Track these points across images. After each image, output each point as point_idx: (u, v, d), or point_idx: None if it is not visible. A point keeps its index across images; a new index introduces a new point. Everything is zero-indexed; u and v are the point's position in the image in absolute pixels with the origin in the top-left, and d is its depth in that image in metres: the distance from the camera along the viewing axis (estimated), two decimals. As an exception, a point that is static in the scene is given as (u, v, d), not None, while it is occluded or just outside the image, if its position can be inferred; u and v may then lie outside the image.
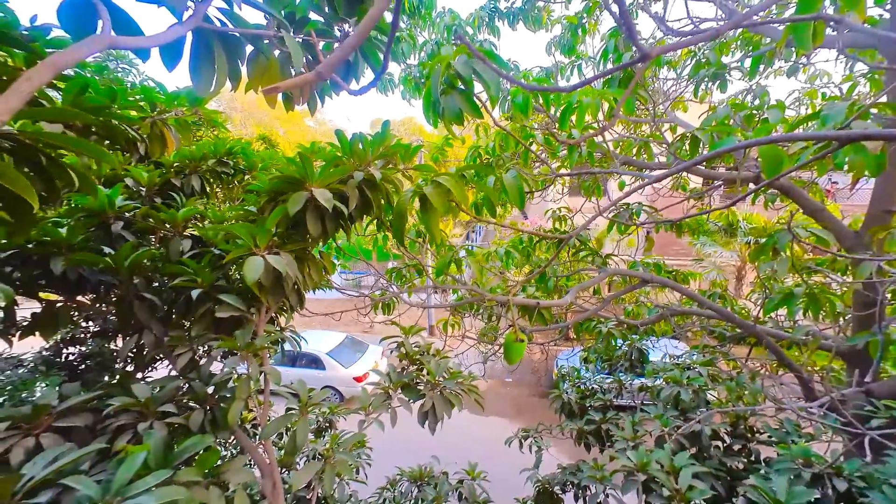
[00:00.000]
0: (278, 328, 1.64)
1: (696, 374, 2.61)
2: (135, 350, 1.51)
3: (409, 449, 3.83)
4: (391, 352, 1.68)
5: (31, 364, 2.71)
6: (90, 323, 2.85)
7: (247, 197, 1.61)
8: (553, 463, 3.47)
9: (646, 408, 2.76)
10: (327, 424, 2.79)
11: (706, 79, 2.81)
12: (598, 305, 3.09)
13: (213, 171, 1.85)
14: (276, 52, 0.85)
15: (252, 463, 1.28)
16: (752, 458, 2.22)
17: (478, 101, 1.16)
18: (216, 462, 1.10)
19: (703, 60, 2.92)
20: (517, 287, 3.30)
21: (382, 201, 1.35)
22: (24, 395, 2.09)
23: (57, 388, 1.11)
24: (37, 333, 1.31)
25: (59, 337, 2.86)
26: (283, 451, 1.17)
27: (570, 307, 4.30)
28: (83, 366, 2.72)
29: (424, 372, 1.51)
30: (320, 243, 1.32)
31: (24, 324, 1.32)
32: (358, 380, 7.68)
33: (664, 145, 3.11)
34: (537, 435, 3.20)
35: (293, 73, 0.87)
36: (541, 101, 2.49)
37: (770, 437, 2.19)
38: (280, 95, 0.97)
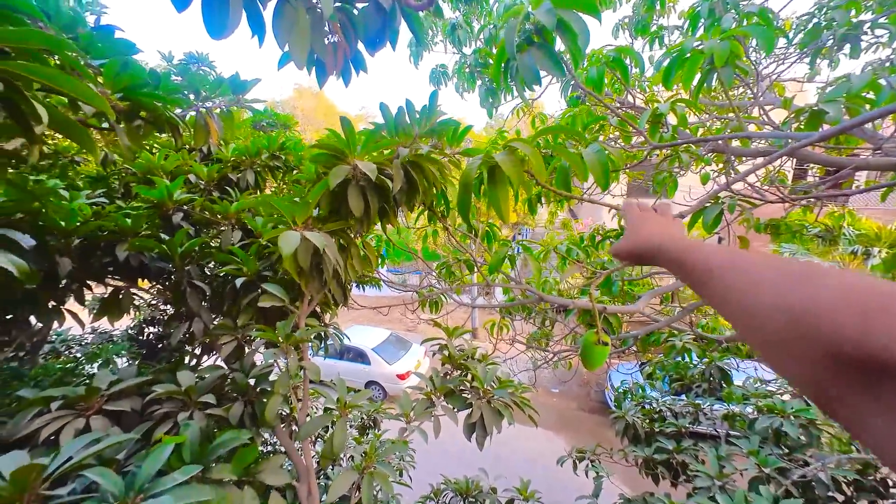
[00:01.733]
0: (321, 324, 1.58)
1: (805, 404, 2.13)
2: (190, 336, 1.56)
3: (448, 452, 3.69)
4: (434, 354, 1.54)
5: (120, 340, 3.08)
6: (168, 306, 3.15)
7: (293, 188, 1.59)
8: (612, 490, 3.10)
9: (734, 440, 2.31)
10: (371, 423, 2.75)
11: (832, 43, 2.26)
12: (678, 314, 2.68)
13: (267, 166, 1.89)
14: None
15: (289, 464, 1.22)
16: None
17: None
18: (253, 459, 1.05)
19: (824, 24, 2.38)
20: (576, 289, 2.99)
21: (427, 185, 1.22)
22: (110, 366, 2.33)
23: (110, 368, 1.13)
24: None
25: (142, 318, 3.21)
26: (322, 453, 1.08)
27: (632, 316, 3.84)
28: (160, 345, 3.02)
29: (470, 378, 1.35)
30: (363, 231, 1.22)
31: (95, 310, 1.41)
32: (401, 377, 7.75)
33: (768, 129, 2.61)
34: (595, 458, 2.86)
35: (324, 33, 0.76)
36: (619, 76, 2.20)
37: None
38: (313, 70, 0.87)
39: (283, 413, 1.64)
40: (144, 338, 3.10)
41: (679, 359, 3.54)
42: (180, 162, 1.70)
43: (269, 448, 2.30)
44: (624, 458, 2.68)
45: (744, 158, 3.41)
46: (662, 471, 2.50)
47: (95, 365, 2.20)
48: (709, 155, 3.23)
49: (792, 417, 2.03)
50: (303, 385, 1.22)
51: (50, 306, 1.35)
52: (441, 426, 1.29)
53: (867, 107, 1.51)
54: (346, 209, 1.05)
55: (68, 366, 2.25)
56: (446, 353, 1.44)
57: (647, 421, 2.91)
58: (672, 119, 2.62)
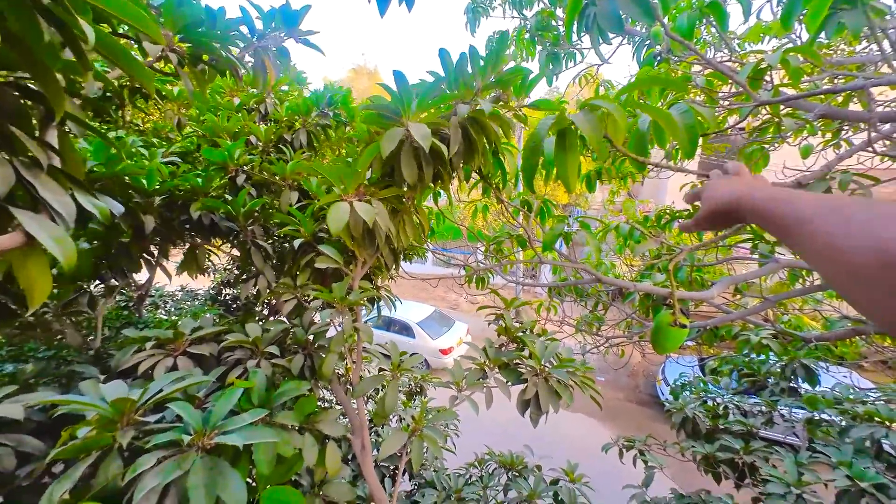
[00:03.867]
0: (374, 287, 1.60)
1: None
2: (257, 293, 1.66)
3: (492, 426, 3.72)
4: (489, 324, 1.49)
5: (203, 298, 3.48)
6: (240, 270, 3.48)
7: (347, 146, 1.57)
8: (663, 484, 2.93)
9: (820, 449, 2.03)
10: (418, 389, 2.83)
11: None
12: (758, 306, 2.36)
13: (318, 125, 1.90)
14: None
15: (345, 417, 1.27)
16: None
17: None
18: (313, 410, 1.09)
19: None
20: (636, 273, 2.76)
21: (487, 145, 1.13)
22: (196, 321, 2.65)
23: (197, 321, 1.23)
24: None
25: (220, 280, 3.57)
26: (374, 412, 1.11)
27: (699, 305, 3.47)
28: (234, 305, 3.36)
29: (527, 353, 1.28)
30: (417, 196, 1.18)
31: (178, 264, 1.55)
32: (444, 352, 7.93)
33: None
34: (645, 447, 2.70)
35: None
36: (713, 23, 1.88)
37: None
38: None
39: (339, 371, 1.72)
40: (222, 298, 3.47)
41: (752, 356, 3.17)
42: (241, 123, 1.77)
43: (326, 405, 2.47)
44: (680, 452, 2.49)
45: (862, 126, 2.83)
46: (725, 470, 2.29)
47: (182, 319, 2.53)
48: (816, 123, 2.71)
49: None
50: (357, 346, 1.24)
51: (141, 259, 1.50)
52: (493, 398, 1.25)
53: None
54: (398, 173, 1.00)
55: (163, 318, 2.57)
56: (502, 324, 1.38)
57: (710, 417, 2.67)
58: (775, 78, 2.21)
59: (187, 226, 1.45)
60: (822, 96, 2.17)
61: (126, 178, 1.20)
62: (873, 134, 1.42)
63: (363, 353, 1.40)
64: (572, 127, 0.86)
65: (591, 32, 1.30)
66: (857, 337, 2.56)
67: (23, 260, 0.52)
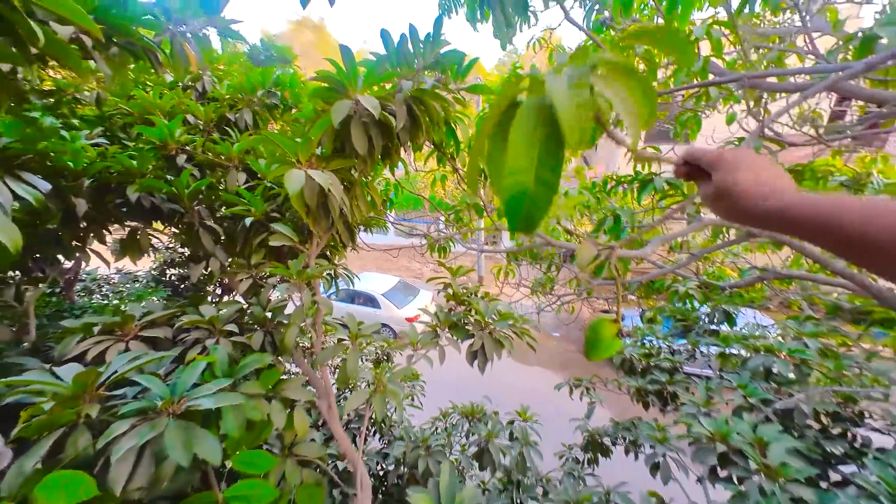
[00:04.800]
0: (331, 264, 1.64)
1: (802, 345, 2.20)
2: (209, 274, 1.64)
3: (456, 390, 4.01)
4: (438, 293, 1.61)
5: (144, 280, 3.30)
6: (185, 249, 3.31)
7: (293, 127, 1.55)
8: (603, 417, 3.38)
9: (727, 375, 2.45)
10: (385, 357, 2.97)
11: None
12: (685, 260, 2.69)
13: (263, 105, 1.82)
14: None
15: (308, 384, 1.36)
16: (857, 445, 1.87)
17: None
18: (277, 379, 1.17)
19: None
20: (584, 235, 2.99)
21: (430, 122, 1.18)
22: (142, 304, 2.54)
23: (142, 304, 1.22)
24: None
25: (163, 260, 3.38)
26: (338, 377, 1.20)
27: (640, 262, 3.88)
28: (182, 286, 3.23)
29: (473, 313, 1.42)
30: (368, 170, 1.21)
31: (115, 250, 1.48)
32: (410, 320, 8.15)
33: (811, 58, 2.36)
34: (590, 385, 3.09)
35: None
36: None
37: (892, 424, 1.81)
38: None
39: (304, 345, 1.78)
40: (167, 278, 3.31)
41: (681, 305, 3.61)
42: (176, 101, 1.65)
43: (292, 377, 2.54)
44: (618, 387, 2.89)
45: (778, 96, 3.15)
46: (653, 399, 2.70)
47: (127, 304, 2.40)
48: (739, 92, 2.98)
49: (786, 357, 2.12)
50: (317, 319, 1.31)
51: (73, 245, 1.42)
52: (448, 362, 1.39)
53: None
54: (350, 148, 1.03)
55: (103, 303, 2.43)
56: (450, 290, 1.50)
57: (645, 356, 3.08)
58: (705, 48, 2.38)
59: (124, 209, 1.39)
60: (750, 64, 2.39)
61: (48, 160, 1.12)
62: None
63: (324, 325, 1.47)
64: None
65: (494, 12, 1.33)
66: (762, 283, 3.02)
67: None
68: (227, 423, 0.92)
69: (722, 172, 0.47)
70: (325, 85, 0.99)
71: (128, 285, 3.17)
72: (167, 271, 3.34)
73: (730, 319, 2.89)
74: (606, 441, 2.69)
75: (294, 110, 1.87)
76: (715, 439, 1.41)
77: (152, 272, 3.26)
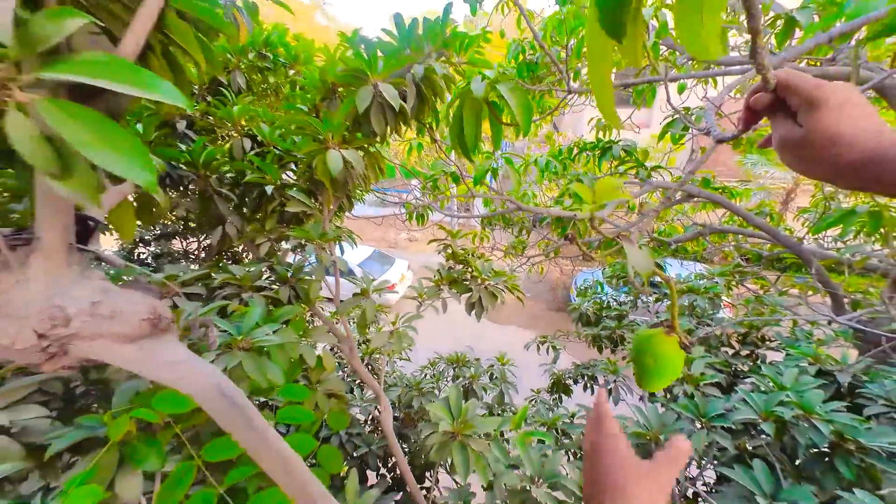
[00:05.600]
0: (336, 227, 1.78)
1: (714, 283, 2.69)
2: (206, 247, 1.72)
3: (438, 349, 4.37)
4: (438, 252, 1.82)
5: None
6: (154, 227, 3.19)
7: (296, 94, 1.60)
8: (566, 362, 3.89)
9: (661, 316, 2.95)
10: (373, 319, 3.18)
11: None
12: (635, 221, 3.08)
13: (255, 67, 1.82)
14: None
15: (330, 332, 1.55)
16: (758, 362, 2.41)
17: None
18: (305, 327, 1.35)
19: None
20: (553, 201, 3.28)
21: (435, 99, 1.32)
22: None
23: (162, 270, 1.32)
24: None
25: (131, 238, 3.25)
26: (357, 323, 1.40)
27: (601, 223, 4.29)
28: (154, 264, 3.16)
29: (471, 270, 1.66)
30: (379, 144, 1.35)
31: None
32: (388, 288, 8.32)
33: (743, 36, 2.67)
34: (555, 340, 3.54)
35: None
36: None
37: (781, 344, 2.34)
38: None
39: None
40: (136, 258, 3.19)
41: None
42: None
43: (318, 325, 2.68)
44: (577, 337, 3.36)
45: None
46: (606, 343, 3.19)
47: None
48: (688, 64, 3.28)
49: (702, 293, 2.57)
50: (335, 275, 1.48)
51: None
52: (433, 331, 1.63)
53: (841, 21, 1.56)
54: (367, 125, 1.16)
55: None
56: (450, 251, 1.71)
57: (598, 309, 3.56)
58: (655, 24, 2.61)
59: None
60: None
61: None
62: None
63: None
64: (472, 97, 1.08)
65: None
66: (702, 237, 3.53)
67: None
68: (275, 359, 1.11)
69: (825, 113, 0.38)
70: (349, 73, 1.10)
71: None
72: (136, 250, 3.21)
73: (659, 268, 3.37)
74: (569, 382, 3.17)
75: (292, 70, 1.87)
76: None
77: (122, 251, 3.13)
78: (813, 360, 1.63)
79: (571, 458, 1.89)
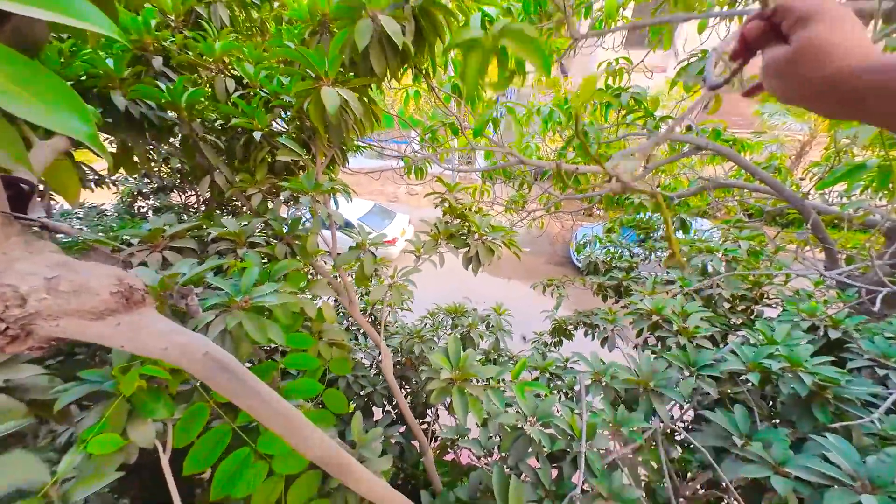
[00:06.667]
0: (331, 179, 1.71)
1: (736, 246, 2.67)
2: (206, 200, 1.66)
3: (440, 300, 4.47)
4: (435, 206, 1.77)
5: (114, 214, 3.12)
6: (150, 180, 3.09)
7: (283, 28, 1.44)
8: (568, 310, 4.01)
9: (673, 273, 2.97)
10: (374, 272, 3.21)
11: None
12: (640, 173, 2.97)
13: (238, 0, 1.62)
14: None
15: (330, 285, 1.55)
16: (753, 317, 2.47)
17: None
18: (303, 281, 1.34)
19: None
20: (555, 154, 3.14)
21: (434, 37, 1.18)
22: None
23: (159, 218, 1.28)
24: (121, 170, 1.42)
25: (129, 192, 3.17)
26: (355, 276, 1.40)
27: (604, 176, 4.17)
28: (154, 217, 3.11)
29: (468, 225, 1.62)
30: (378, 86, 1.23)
31: (104, 170, 1.44)
32: (388, 242, 8.33)
33: None
34: (560, 284, 3.61)
35: None
36: None
37: (781, 300, 2.38)
38: None
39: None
40: (136, 211, 3.13)
41: (640, 216, 4.04)
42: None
43: (317, 278, 2.72)
44: (582, 284, 3.41)
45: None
46: (610, 292, 3.24)
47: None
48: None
49: (721, 256, 2.56)
50: (332, 228, 1.45)
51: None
52: (431, 288, 1.62)
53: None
54: (364, 64, 1.04)
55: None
56: (447, 205, 1.66)
57: (609, 259, 3.58)
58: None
59: (108, 119, 1.32)
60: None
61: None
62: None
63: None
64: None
65: None
66: (705, 192, 3.44)
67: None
68: (276, 314, 1.12)
69: (818, 24, 0.38)
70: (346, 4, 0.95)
71: (96, 219, 3.00)
72: (135, 204, 3.14)
73: (685, 227, 3.30)
74: (570, 328, 3.28)
75: (277, 3, 1.67)
76: (651, 313, 1.84)
77: (121, 205, 3.06)
78: (808, 316, 1.66)
79: (563, 397, 2.00)
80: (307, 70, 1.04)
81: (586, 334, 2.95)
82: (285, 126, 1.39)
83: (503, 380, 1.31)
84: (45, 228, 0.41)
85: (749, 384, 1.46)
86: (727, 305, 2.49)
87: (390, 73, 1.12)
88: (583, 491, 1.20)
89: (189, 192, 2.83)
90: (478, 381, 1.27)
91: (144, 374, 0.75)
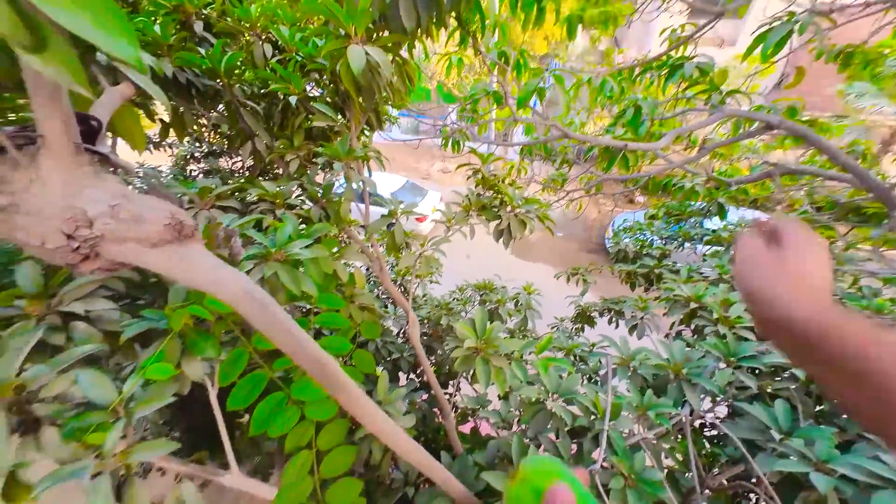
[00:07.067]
0: (363, 146, 1.72)
1: None
2: (250, 167, 1.74)
3: (468, 275, 4.47)
4: (468, 178, 1.74)
5: (169, 175, 3.38)
6: (200, 144, 3.29)
7: None
8: (594, 297, 3.89)
9: (709, 258, 2.77)
10: (405, 244, 3.27)
11: None
12: (695, 154, 2.73)
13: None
14: None
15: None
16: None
17: None
18: (336, 246, 1.39)
19: None
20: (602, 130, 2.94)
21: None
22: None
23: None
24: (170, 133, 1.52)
25: (182, 155, 3.40)
26: (386, 246, 1.43)
27: (654, 159, 3.86)
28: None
29: (501, 196, 1.58)
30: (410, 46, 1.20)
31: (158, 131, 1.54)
32: (418, 220, 8.40)
33: None
34: (587, 273, 3.49)
35: None
36: None
37: (841, 298, 2.15)
38: None
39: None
40: (189, 173, 3.37)
41: (689, 203, 3.75)
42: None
43: (350, 243, 2.85)
44: (611, 272, 3.28)
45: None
46: (640, 280, 3.09)
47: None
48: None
49: None
50: (364, 194, 1.47)
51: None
52: (457, 255, 1.61)
53: None
54: (395, 20, 1.02)
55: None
56: (480, 176, 1.62)
57: (640, 247, 3.40)
58: None
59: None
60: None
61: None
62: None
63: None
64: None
65: None
66: (770, 179, 3.10)
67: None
68: (309, 271, 1.17)
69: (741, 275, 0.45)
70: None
71: (153, 179, 3.26)
72: (187, 167, 3.36)
73: (721, 211, 3.05)
74: (594, 314, 3.19)
75: None
76: (689, 300, 1.73)
77: (175, 167, 3.30)
78: (874, 313, 1.49)
79: (586, 381, 1.97)
80: (339, 29, 1.03)
81: (611, 322, 2.86)
82: (321, 91, 1.40)
83: (527, 356, 1.31)
84: (110, 163, 0.45)
85: (794, 381, 1.35)
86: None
87: (423, 29, 1.08)
88: (602, 468, 1.19)
89: (235, 159, 2.99)
90: (502, 355, 1.28)
91: (193, 313, 0.82)
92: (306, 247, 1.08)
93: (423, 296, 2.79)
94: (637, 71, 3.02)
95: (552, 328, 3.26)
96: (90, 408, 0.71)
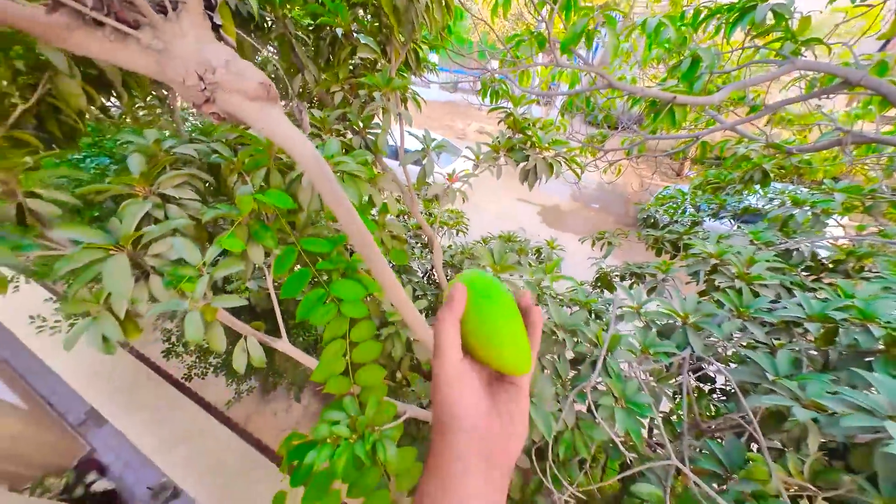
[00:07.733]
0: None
1: (829, 197, 2.24)
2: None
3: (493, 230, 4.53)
4: (500, 121, 1.77)
5: None
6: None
7: None
8: (617, 261, 3.85)
9: (744, 226, 2.64)
10: (434, 197, 3.38)
11: None
12: (753, 115, 2.52)
13: None
14: None
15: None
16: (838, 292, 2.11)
17: None
18: (373, 175, 1.53)
19: None
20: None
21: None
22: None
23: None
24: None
25: None
26: (418, 178, 1.54)
27: (710, 122, 3.57)
28: None
29: (531, 137, 1.62)
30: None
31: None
32: (451, 179, 8.37)
33: None
34: (612, 238, 3.44)
35: None
36: None
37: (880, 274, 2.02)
38: None
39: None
40: None
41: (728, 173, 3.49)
42: None
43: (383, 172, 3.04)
44: (637, 237, 3.22)
45: None
46: (667, 247, 3.02)
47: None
48: None
49: (808, 207, 2.19)
50: (401, 128, 1.58)
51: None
52: (485, 215, 1.67)
53: None
54: None
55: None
56: (511, 119, 1.66)
57: (671, 214, 3.28)
58: None
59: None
60: None
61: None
62: None
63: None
64: None
65: None
66: (840, 147, 2.78)
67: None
68: (348, 192, 1.32)
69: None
70: None
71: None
72: None
73: (766, 179, 2.83)
74: (615, 278, 3.18)
75: None
76: (712, 256, 1.74)
77: None
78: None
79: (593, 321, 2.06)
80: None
81: (631, 287, 2.86)
82: (365, 27, 1.47)
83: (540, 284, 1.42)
84: (219, 33, 0.57)
85: (808, 337, 1.37)
86: (807, 275, 2.09)
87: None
88: (595, 389, 1.32)
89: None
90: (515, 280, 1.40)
91: (257, 199, 1.00)
92: (349, 161, 1.23)
93: (450, 245, 2.94)
94: (703, 15, 2.73)
95: (570, 290, 3.31)
96: (182, 263, 0.92)
